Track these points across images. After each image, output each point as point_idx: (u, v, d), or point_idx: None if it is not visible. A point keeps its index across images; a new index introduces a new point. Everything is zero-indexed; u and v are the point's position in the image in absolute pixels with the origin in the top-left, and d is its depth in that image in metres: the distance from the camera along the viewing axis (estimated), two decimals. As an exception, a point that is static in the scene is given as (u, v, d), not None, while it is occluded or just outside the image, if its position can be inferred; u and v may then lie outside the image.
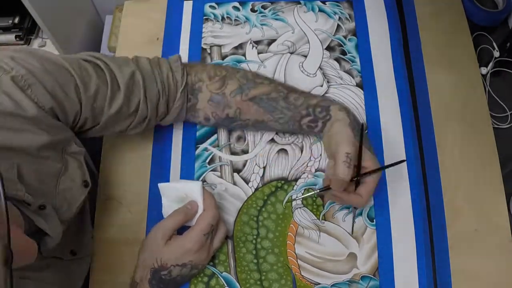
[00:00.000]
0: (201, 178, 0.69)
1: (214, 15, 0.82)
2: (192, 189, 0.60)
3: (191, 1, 0.83)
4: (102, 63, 0.58)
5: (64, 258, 0.60)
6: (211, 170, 0.70)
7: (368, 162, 0.60)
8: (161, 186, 0.62)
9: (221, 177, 0.69)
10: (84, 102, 0.55)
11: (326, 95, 0.74)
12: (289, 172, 0.69)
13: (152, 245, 0.58)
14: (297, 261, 0.64)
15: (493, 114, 0.73)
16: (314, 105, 0.64)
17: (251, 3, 0.82)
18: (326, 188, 0.61)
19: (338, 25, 0.80)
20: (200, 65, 0.67)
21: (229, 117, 0.66)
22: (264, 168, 0.69)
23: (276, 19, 0.81)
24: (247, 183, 0.68)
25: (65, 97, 0.53)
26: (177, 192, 0.61)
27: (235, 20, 0.81)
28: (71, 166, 0.56)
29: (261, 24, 0.80)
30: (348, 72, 0.75)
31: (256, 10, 0.82)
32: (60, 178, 0.54)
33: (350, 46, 0.78)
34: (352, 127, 0.61)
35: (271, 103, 0.64)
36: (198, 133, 0.72)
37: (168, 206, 0.61)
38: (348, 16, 0.80)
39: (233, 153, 0.71)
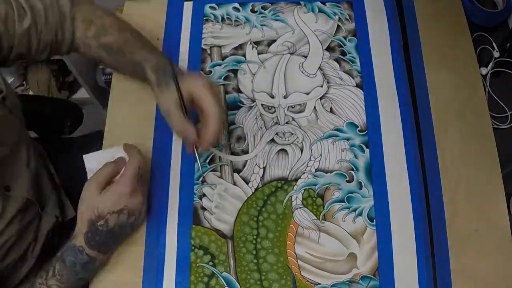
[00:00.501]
0: (201, 178, 0.69)
1: (214, 15, 0.82)
2: (116, 151, 0.63)
3: (191, 2, 0.83)
4: None
5: None
6: (211, 170, 0.70)
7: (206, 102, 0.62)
8: (86, 156, 0.64)
9: (221, 177, 0.69)
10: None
11: (327, 95, 0.74)
12: (289, 172, 0.69)
13: (88, 197, 0.60)
14: (297, 261, 0.64)
15: (493, 114, 0.73)
16: (137, 61, 0.67)
17: (251, 3, 0.82)
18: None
19: (338, 26, 0.80)
20: (84, 4, 0.71)
21: (97, 58, 0.71)
22: (264, 168, 0.69)
23: (276, 20, 0.81)
24: (247, 183, 0.69)
25: None
26: (103, 159, 0.63)
27: (235, 20, 0.81)
28: None
29: (261, 25, 0.80)
30: (348, 73, 0.76)
31: (256, 11, 0.82)
32: None
33: (350, 46, 0.78)
34: (158, 85, 0.64)
35: (113, 54, 0.68)
36: (198, 134, 0.72)
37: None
38: (348, 17, 0.80)
39: (233, 153, 0.71)
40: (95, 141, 0.76)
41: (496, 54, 0.77)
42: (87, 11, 0.70)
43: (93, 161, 0.64)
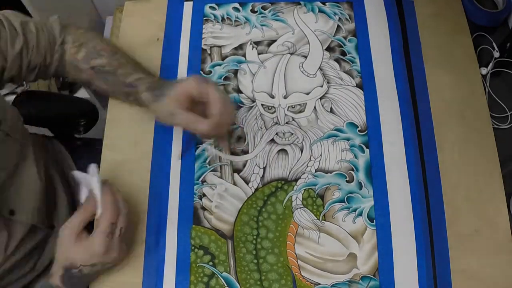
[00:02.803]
0: (201, 178, 0.69)
1: (214, 16, 0.82)
2: (92, 181, 0.58)
3: (191, 2, 0.83)
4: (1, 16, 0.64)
5: (2, 213, 0.63)
6: (211, 170, 0.70)
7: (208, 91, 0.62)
8: (75, 174, 0.60)
9: (221, 177, 0.69)
10: None
11: (327, 95, 0.74)
12: (289, 172, 0.69)
13: (63, 243, 0.58)
14: (297, 261, 0.64)
15: (493, 114, 0.73)
16: (130, 83, 0.67)
17: (251, 4, 0.82)
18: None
19: (338, 26, 0.80)
20: (74, 27, 0.71)
21: (85, 82, 0.71)
22: (264, 168, 0.69)
23: (276, 20, 0.81)
24: (247, 183, 0.69)
25: None
26: (85, 182, 0.59)
27: (235, 21, 0.81)
28: None
29: (261, 25, 0.80)
30: (348, 73, 0.76)
31: (256, 11, 0.82)
32: None
33: (350, 46, 0.78)
34: (155, 99, 0.65)
35: (106, 76, 0.69)
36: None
37: (83, 194, 0.60)
38: (348, 17, 0.80)
39: (233, 153, 0.71)
40: (96, 141, 0.76)
41: (496, 54, 0.77)
42: (78, 35, 0.70)
43: (80, 180, 0.60)
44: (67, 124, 0.98)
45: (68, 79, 0.73)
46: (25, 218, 0.68)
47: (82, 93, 1.61)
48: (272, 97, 0.74)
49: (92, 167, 0.58)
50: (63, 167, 0.83)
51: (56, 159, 0.82)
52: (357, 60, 0.76)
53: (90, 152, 0.72)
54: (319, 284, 0.63)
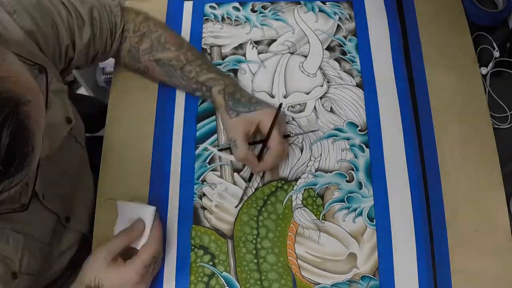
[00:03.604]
0: (201, 178, 0.69)
1: (214, 15, 0.82)
2: (146, 212, 0.60)
3: (191, 1, 0.83)
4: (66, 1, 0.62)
5: (60, 218, 0.62)
6: (211, 170, 0.70)
7: (272, 138, 0.64)
8: (119, 204, 0.61)
9: (221, 177, 0.69)
10: (62, 35, 0.60)
11: (327, 95, 0.74)
12: (289, 172, 0.69)
13: (95, 264, 0.57)
14: (297, 261, 0.64)
15: (493, 114, 0.73)
16: (202, 82, 0.68)
17: (251, 3, 0.82)
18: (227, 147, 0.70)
19: (338, 25, 0.80)
20: (134, 13, 0.70)
21: (140, 71, 0.71)
22: (264, 168, 0.69)
23: (276, 19, 0.81)
24: (247, 183, 0.68)
25: (45, 27, 0.57)
26: (131, 212, 0.60)
27: (235, 20, 0.81)
28: (53, 104, 0.58)
29: (261, 24, 0.80)
30: (348, 72, 0.76)
31: (256, 10, 0.82)
32: None
33: (350, 46, 0.78)
34: (227, 110, 0.65)
35: (171, 69, 0.69)
36: (198, 133, 0.72)
37: (121, 225, 0.60)
38: (348, 16, 0.80)
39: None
40: (95, 142, 0.76)
41: (496, 54, 0.77)
42: (138, 22, 0.69)
43: (124, 211, 0.61)
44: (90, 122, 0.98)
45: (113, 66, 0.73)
46: (78, 227, 0.67)
47: (82, 92, 1.61)
48: (272, 96, 0.74)
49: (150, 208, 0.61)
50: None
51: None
52: (357, 60, 0.76)
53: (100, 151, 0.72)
54: (319, 284, 0.63)
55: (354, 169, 0.69)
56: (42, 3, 0.58)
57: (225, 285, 0.63)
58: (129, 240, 0.59)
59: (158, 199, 0.68)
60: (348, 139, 0.71)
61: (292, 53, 0.78)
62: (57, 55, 0.61)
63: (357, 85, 0.74)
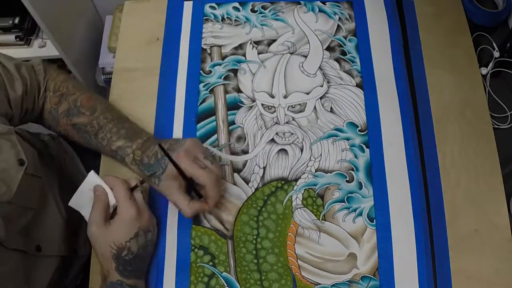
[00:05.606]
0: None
1: (214, 15, 0.82)
2: (90, 181, 0.61)
3: (191, 2, 0.83)
4: None
5: (28, 252, 0.61)
6: (211, 170, 0.70)
7: (197, 175, 0.60)
8: (72, 202, 0.61)
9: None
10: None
11: (327, 95, 0.74)
12: (289, 172, 0.69)
13: (97, 237, 0.58)
14: (297, 261, 0.64)
15: (493, 114, 0.73)
16: (115, 151, 0.66)
17: (251, 3, 0.82)
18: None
19: (338, 26, 0.80)
20: (55, 72, 0.70)
21: (61, 134, 0.70)
22: (264, 168, 0.69)
23: (276, 20, 0.81)
24: (247, 183, 0.68)
25: None
26: (85, 195, 0.61)
27: (235, 20, 0.81)
28: (3, 147, 0.58)
29: (261, 25, 0.80)
30: (348, 72, 0.76)
31: (256, 11, 0.82)
32: None
33: (350, 46, 0.78)
34: (149, 180, 0.63)
35: (86, 135, 0.67)
36: (198, 133, 0.72)
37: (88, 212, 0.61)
38: (348, 17, 0.80)
39: (233, 153, 0.71)
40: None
41: (496, 54, 0.77)
42: (58, 82, 0.68)
43: (80, 202, 0.61)
44: None
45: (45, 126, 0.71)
46: (52, 252, 0.67)
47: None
48: (272, 96, 0.74)
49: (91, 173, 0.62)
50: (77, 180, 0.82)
51: (69, 177, 0.79)
52: (357, 60, 0.76)
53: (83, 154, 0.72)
54: (319, 284, 0.63)
55: (354, 169, 0.69)
56: None
57: (225, 285, 0.63)
58: (100, 204, 0.59)
59: (158, 199, 0.68)
60: (348, 139, 0.71)
61: (292, 53, 0.78)
62: None
63: (357, 85, 0.74)
